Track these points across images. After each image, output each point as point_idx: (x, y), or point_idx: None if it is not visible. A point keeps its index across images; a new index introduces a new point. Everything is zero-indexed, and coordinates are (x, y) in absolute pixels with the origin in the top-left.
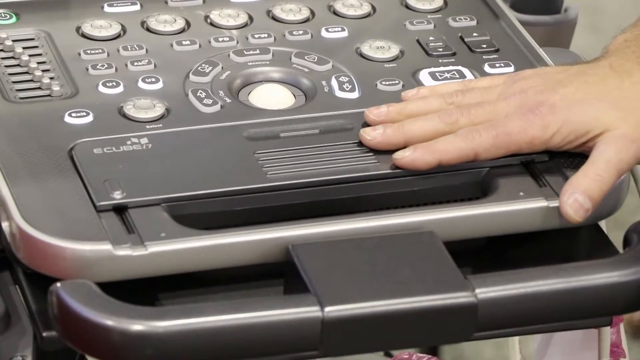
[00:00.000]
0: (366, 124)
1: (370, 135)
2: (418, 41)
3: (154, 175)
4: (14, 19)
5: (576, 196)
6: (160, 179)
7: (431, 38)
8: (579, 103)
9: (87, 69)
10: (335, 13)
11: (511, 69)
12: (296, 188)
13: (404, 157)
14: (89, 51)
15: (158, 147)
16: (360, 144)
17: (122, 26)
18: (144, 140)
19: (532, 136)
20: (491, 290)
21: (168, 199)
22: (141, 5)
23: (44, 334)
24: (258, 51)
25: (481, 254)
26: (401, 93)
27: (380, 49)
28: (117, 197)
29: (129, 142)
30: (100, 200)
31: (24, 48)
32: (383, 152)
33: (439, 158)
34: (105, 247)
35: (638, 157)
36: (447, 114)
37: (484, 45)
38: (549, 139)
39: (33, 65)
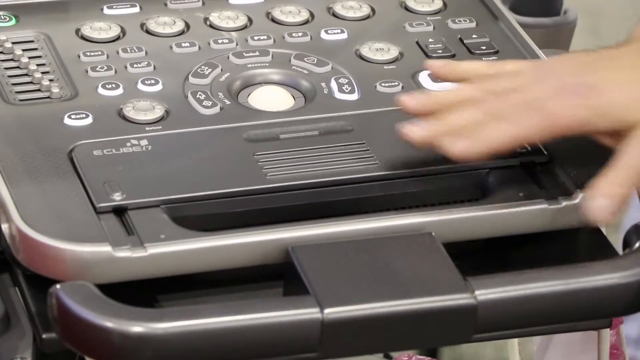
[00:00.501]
0: (365, 125)
1: (413, 132)
2: (417, 43)
3: (153, 177)
4: (13, 21)
5: (598, 200)
6: (159, 180)
7: (430, 40)
8: (620, 85)
9: (87, 71)
10: (334, 15)
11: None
12: (296, 189)
13: (454, 145)
14: (88, 53)
15: (158, 148)
16: (360, 145)
17: (122, 28)
18: (144, 142)
19: (576, 117)
20: (491, 291)
21: (167, 200)
22: (140, 7)
23: (44, 336)
24: (257, 53)
25: (480, 255)
26: (426, 62)
27: (379, 51)
28: (117, 198)
29: (128, 144)
30: (100, 202)
31: (23, 50)
32: (382, 153)
33: (488, 146)
34: (105, 248)
35: None
36: (485, 102)
37: (484, 47)
38: (595, 121)
39: (32, 67)
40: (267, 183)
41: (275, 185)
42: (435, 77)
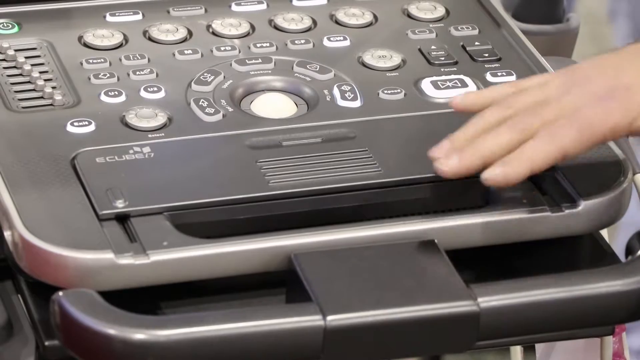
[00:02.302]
0: (368, 132)
1: (446, 165)
2: (420, 50)
3: (156, 184)
4: (16, 29)
5: None
6: (162, 187)
7: (433, 47)
8: None
9: (89, 78)
10: (337, 22)
11: (513, 77)
12: (298, 197)
13: (495, 175)
14: (91, 60)
15: (160, 156)
16: (363, 152)
17: (124, 35)
18: (147, 150)
19: (614, 123)
20: (493, 299)
21: (170, 207)
22: (143, 14)
23: (46, 343)
24: (260, 60)
25: (483, 262)
26: (450, 100)
27: (382, 58)
28: (120, 206)
29: (131, 151)
30: (103, 209)
31: (26, 57)
32: (385, 160)
33: (530, 167)
34: (108, 256)
35: None
36: (517, 121)
37: (486, 54)
38: (632, 122)
39: (35, 74)
40: (269, 190)
41: (278, 192)
42: (461, 112)
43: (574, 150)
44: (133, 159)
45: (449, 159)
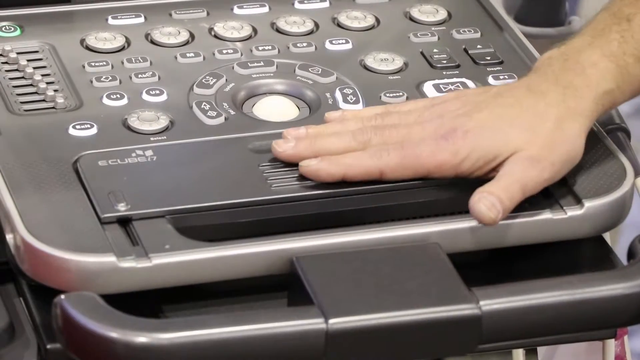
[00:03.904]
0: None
1: (281, 147)
2: (422, 53)
3: (158, 188)
4: (18, 32)
5: (485, 195)
6: (164, 191)
7: (435, 50)
8: (490, 128)
9: (92, 81)
10: (339, 25)
11: (515, 80)
12: (300, 200)
13: (309, 166)
14: (93, 63)
15: (163, 159)
16: None
17: (126, 38)
18: (149, 153)
19: (441, 161)
20: (495, 302)
21: (172, 211)
22: (145, 17)
23: (48, 346)
24: (262, 63)
25: (485, 266)
26: (325, 114)
27: (384, 61)
28: (122, 209)
29: (133, 155)
30: (105, 212)
31: (28, 60)
32: None
33: (344, 172)
34: (110, 259)
35: (545, 178)
36: (360, 132)
37: (488, 58)
38: (458, 164)
39: (37, 77)
40: (271, 194)
41: (280, 196)
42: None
43: (392, 174)
44: (135, 162)
45: (287, 142)
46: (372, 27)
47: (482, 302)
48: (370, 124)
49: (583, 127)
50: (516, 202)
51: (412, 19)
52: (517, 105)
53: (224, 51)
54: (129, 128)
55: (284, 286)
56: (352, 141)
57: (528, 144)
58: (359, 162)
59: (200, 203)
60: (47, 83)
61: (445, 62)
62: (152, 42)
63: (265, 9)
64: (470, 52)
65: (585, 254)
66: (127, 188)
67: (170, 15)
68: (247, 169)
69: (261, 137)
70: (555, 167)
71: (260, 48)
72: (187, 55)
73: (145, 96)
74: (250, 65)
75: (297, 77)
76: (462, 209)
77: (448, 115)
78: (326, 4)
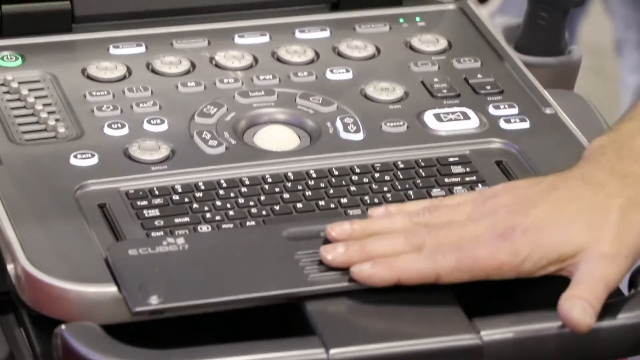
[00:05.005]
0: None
1: (330, 254)
2: (422, 82)
3: (190, 278)
4: (19, 61)
5: (575, 302)
6: (196, 281)
7: (436, 79)
8: (550, 226)
9: (93, 111)
10: (339, 54)
11: (515, 110)
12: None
13: (361, 271)
14: (94, 93)
15: (194, 247)
16: None
17: (128, 68)
18: (180, 241)
19: (500, 262)
20: (496, 332)
21: (204, 304)
22: (146, 46)
23: None
24: (263, 92)
25: (485, 295)
26: (368, 211)
27: (384, 90)
28: (153, 302)
29: (164, 243)
30: (136, 307)
31: (29, 90)
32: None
33: (398, 277)
34: (110, 289)
35: (623, 273)
36: (413, 234)
37: (488, 87)
38: (519, 264)
39: (39, 107)
40: (308, 285)
41: (317, 288)
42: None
43: (448, 277)
44: (167, 252)
45: (336, 249)
46: (372, 57)
47: (483, 332)
48: (419, 219)
49: None
50: (602, 302)
51: (412, 48)
52: (574, 198)
53: (225, 80)
54: (130, 157)
55: (285, 315)
56: (405, 245)
57: (595, 241)
58: (414, 266)
59: (232, 296)
60: (49, 112)
61: (445, 91)
62: (153, 71)
63: (266, 39)
64: (470, 81)
65: None
66: (158, 279)
67: (172, 44)
68: (283, 258)
69: (264, 163)
70: (629, 260)
71: (261, 77)
72: (188, 84)
73: (146, 125)
74: (251, 94)
75: (298, 107)
76: None
77: (502, 211)
78: (327, 33)
